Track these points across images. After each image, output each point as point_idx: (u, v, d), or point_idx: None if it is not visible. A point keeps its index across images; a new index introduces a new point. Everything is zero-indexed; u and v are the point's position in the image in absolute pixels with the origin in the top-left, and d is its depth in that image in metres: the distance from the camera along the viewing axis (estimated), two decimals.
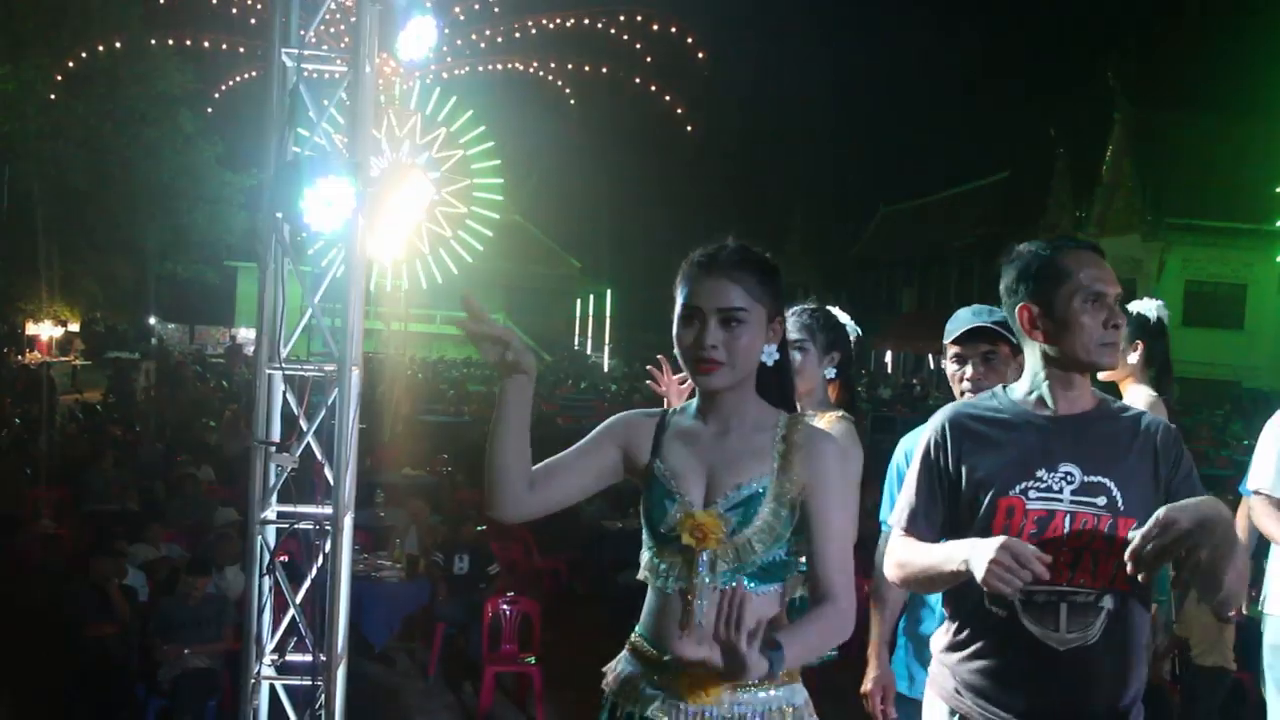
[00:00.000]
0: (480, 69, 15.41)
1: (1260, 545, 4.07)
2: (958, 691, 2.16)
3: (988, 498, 2.07)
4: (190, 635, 5.40)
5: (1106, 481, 2.04)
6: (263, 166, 4.19)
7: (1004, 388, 2.23)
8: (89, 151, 21.02)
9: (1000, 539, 1.90)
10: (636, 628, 2.06)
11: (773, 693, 1.92)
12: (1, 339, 25.18)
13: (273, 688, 4.31)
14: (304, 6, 4.25)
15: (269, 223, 4.09)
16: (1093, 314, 2.06)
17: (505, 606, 6.11)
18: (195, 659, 5.36)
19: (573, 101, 16.22)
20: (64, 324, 27.91)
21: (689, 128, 15.34)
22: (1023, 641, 2.04)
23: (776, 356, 2.03)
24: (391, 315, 16.18)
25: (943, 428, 2.18)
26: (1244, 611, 4.48)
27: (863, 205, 48.81)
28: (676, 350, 2.01)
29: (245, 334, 32.83)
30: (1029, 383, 2.16)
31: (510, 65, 15.37)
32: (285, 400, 4.25)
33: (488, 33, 14.62)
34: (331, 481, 4.17)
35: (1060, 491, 2.04)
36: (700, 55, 14.41)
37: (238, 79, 16.09)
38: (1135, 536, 1.84)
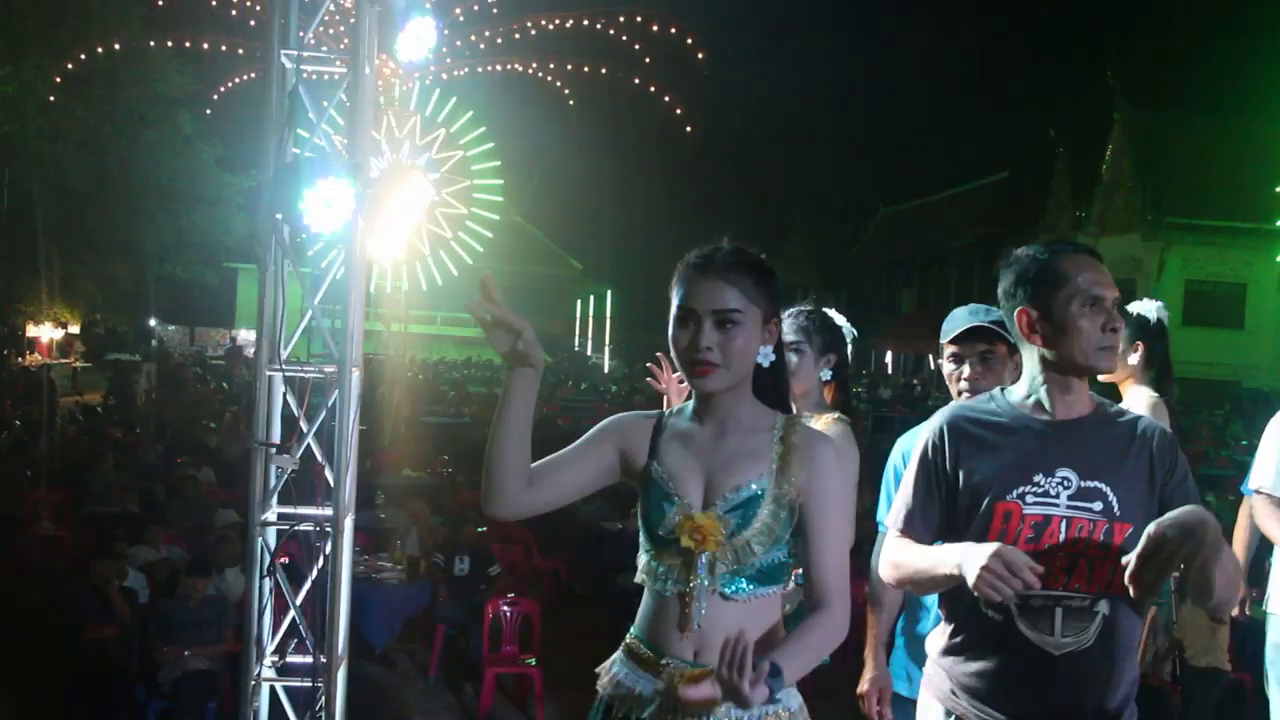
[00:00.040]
0: (480, 70, 15.42)
1: (1263, 545, 4.08)
2: (953, 693, 2.17)
3: (985, 502, 2.08)
4: (190, 637, 5.40)
5: (1103, 487, 2.05)
6: (262, 168, 4.19)
7: (1002, 391, 2.23)
8: (88, 153, 21.01)
9: (994, 545, 1.91)
10: (632, 629, 2.06)
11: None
12: (1, 341, 25.16)
13: (273, 689, 4.31)
14: (303, 8, 4.25)
15: (269, 224, 4.09)
16: (1091, 318, 2.06)
17: (505, 608, 6.11)
18: (195, 660, 5.36)
19: (572, 102, 16.22)
20: (64, 326, 27.89)
21: (688, 128, 15.35)
22: (1018, 645, 2.05)
23: (773, 358, 2.02)
24: (392, 317, 16.19)
25: (941, 430, 2.18)
26: (1247, 612, 4.48)
27: (862, 205, 48.90)
28: (672, 352, 2.01)
29: (245, 336, 32.85)
30: (1027, 386, 2.17)
31: (510, 66, 15.37)
32: (285, 402, 4.25)
33: (487, 34, 14.62)
34: (332, 483, 4.17)
35: (1057, 496, 2.05)
36: (700, 56, 14.42)
37: (237, 80, 16.10)
38: (1131, 559, 1.85)
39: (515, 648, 6.05)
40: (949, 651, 2.19)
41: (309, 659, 4.21)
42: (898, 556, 2.19)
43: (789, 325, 3.02)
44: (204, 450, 11.40)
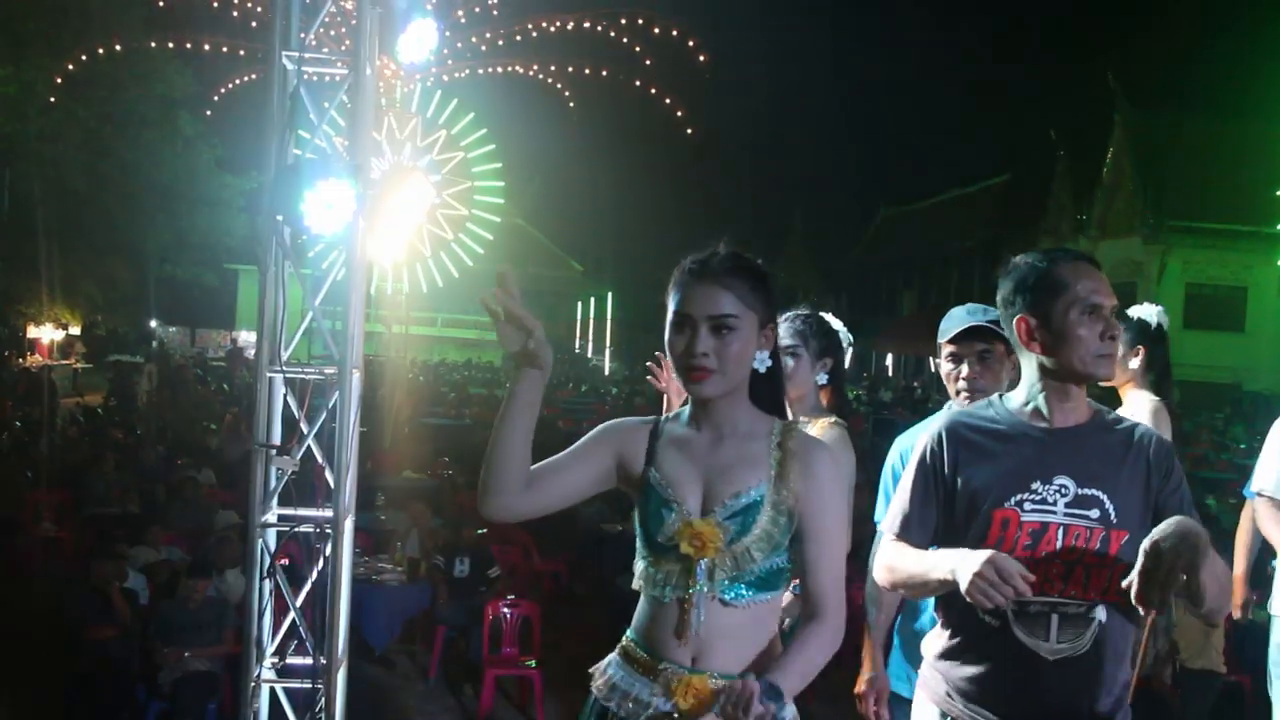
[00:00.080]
0: (481, 72, 15.41)
1: (1265, 548, 4.08)
2: (949, 695, 2.18)
3: (983, 508, 2.09)
4: (191, 638, 5.40)
5: (1100, 494, 2.06)
6: (263, 169, 4.19)
7: (1000, 397, 2.24)
8: (89, 154, 21.02)
9: (988, 552, 1.92)
10: (628, 631, 2.05)
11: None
12: (2, 342, 25.17)
13: (273, 690, 4.31)
14: (304, 9, 4.25)
15: (269, 225, 4.09)
16: (1089, 326, 2.07)
17: (506, 609, 6.11)
18: (196, 662, 5.35)
19: (572, 105, 16.21)
20: (65, 327, 27.89)
21: (689, 130, 15.34)
22: (1013, 650, 2.07)
23: (769, 363, 2.02)
24: (392, 318, 16.18)
25: (940, 436, 2.19)
26: (1249, 615, 4.47)
27: (863, 207, 48.95)
28: (668, 358, 2.00)
29: (246, 337, 32.86)
30: (1025, 393, 2.17)
31: (511, 68, 15.37)
32: (286, 403, 4.25)
33: (488, 35, 14.61)
34: (332, 484, 4.17)
35: (1054, 504, 2.06)
36: (702, 58, 14.41)
37: (238, 81, 16.09)
38: (1133, 580, 1.86)
39: (515, 649, 6.05)
40: (944, 655, 2.20)
41: (309, 660, 4.21)
42: (893, 560, 2.19)
43: (785, 329, 3.03)
44: (204, 451, 11.40)
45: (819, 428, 2.96)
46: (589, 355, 42.21)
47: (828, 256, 49.07)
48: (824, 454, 2.01)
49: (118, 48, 16.65)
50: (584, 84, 15.62)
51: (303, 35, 4.23)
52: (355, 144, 4.27)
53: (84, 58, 16.51)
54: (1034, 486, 2.07)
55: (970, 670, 2.14)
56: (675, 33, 14.22)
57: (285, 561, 4.33)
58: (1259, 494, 3.96)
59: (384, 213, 12.34)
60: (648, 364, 3.08)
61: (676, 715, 1.91)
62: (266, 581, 4.19)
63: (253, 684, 4.23)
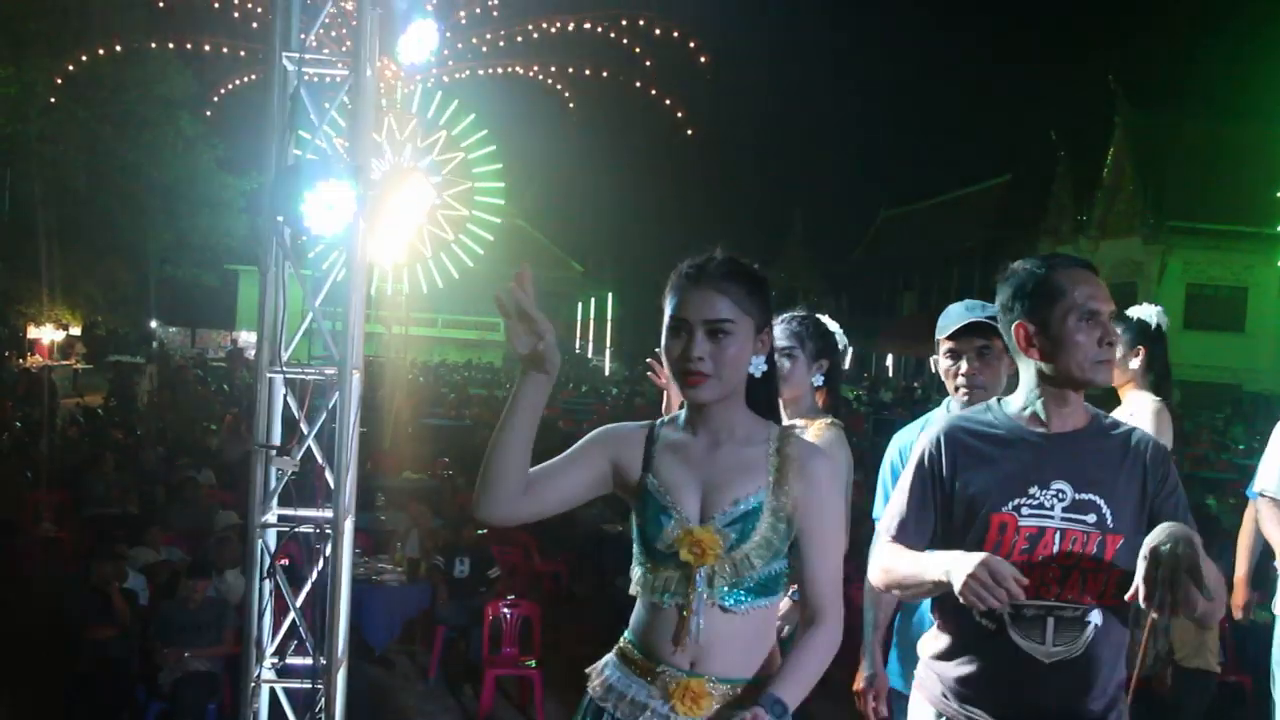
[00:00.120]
0: (481, 73, 15.42)
1: (1268, 548, 4.07)
2: (944, 695, 2.20)
3: (980, 513, 2.10)
4: (190, 638, 5.40)
5: (1097, 499, 2.07)
6: (263, 170, 4.19)
7: (999, 401, 2.24)
8: (90, 155, 21.04)
9: (982, 555, 1.93)
10: (626, 633, 2.05)
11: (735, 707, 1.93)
12: (2, 342, 25.17)
13: (273, 691, 4.31)
14: (305, 10, 4.25)
15: (270, 226, 4.09)
16: (1087, 332, 2.07)
17: (506, 610, 6.11)
18: (195, 662, 5.36)
19: (572, 105, 16.21)
20: (65, 328, 27.87)
21: (689, 132, 15.34)
22: (1009, 652, 2.08)
23: (765, 368, 2.01)
24: (393, 319, 16.18)
25: (938, 440, 2.19)
26: (1251, 615, 4.46)
27: (863, 208, 48.93)
28: (665, 363, 2.00)
29: (246, 337, 32.87)
30: (1024, 398, 2.18)
31: (511, 69, 15.37)
32: (286, 404, 4.26)
33: (488, 36, 14.62)
34: (332, 485, 4.17)
35: (1052, 509, 2.07)
36: (703, 59, 14.40)
37: (238, 82, 16.10)
38: (1139, 586, 1.86)
39: (515, 650, 6.05)
40: (940, 656, 2.22)
41: (309, 661, 4.22)
42: (888, 562, 2.20)
43: (781, 330, 3.04)
44: (204, 452, 11.40)
45: (815, 428, 2.96)
46: (589, 356, 42.22)
47: (828, 257, 49.10)
48: (822, 459, 2.01)
49: (118, 48, 16.66)
50: (584, 85, 15.62)
51: (303, 36, 4.23)
52: (355, 145, 4.27)
53: (84, 58, 16.52)
54: (1031, 491, 2.08)
55: (966, 671, 2.15)
56: (676, 34, 14.22)
57: (285, 562, 4.34)
58: (1261, 494, 3.96)
59: (384, 213, 12.34)
60: (648, 360, 3.09)
61: (673, 718, 1.91)
62: (266, 582, 4.19)
63: (252, 684, 4.23)
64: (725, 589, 1.92)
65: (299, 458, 4.18)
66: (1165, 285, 26.25)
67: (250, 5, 13.79)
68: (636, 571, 2.01)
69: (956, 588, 1.91)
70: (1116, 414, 3.61)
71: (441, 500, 9.30)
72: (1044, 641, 2.06)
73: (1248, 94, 26.04)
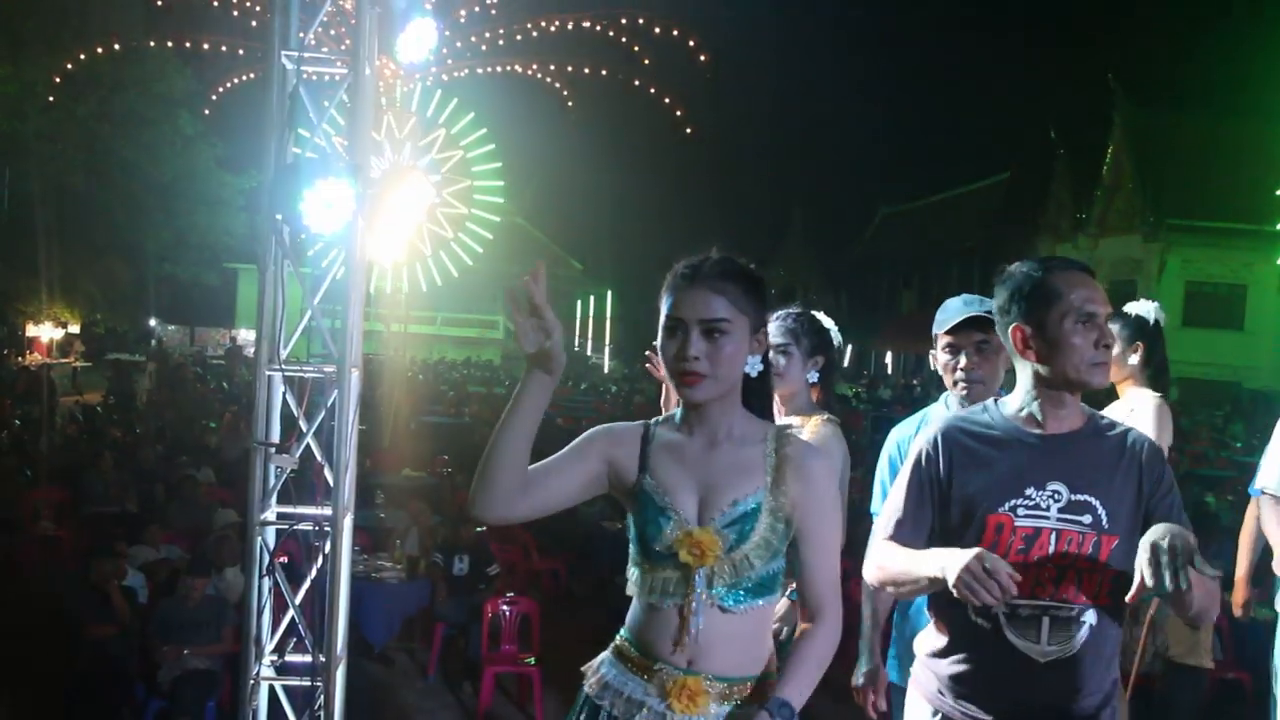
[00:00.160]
0: (480, 71, 15.41)
1: (1270, 545, 4.06)
2: (940, 692, 2.22)
3: (977, 513, 2.11)
4: (190, 636, 5.40)
5: (1092, 500, 2.09)
6: (262, 168, 4.19)
7: (995, 401, 2.26)
8: (89, 153, 21.05)
9: (976, 550, 1.94)
10: (622, 631, 2.05)
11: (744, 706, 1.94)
12: (1, 341, 25.18)
13: (272, 688, 4.32)
14: (303, 9, 4.25)
15: (269, 224, 4.09)
16: (1084, 335, 2.09)
17: (505, 607, 6.12)
18: (195, 660, 5.36)
19: (570, 104, 16.20)
20: (64, 325, 27.86)
21: (688, 130, 15.34)
22: (1004, 651, 2.10)
23: (761, 368, 2.02)
24: (391, 317, 16.17)
25: (936, 440, 2.20)
26: (1251, 613, 4.45)
27: (863, 206, 48.91)
28: (660, 363, 2.00)
29: (245, 336, 32.84)
30: (1020, 399, 2.19)
31: (510, 68, 15.36)
32: (285, 402, 4.26)
33: (488, 35, 14.61)
34: (331, 483, 4.17)
35: (1048, 509, 2.09)
36: (703, 58, 14.40)
37: (237, 81, 16.09)
38: (1145, 576, 1.85)
39: (514, 647, 6.05)
40: (936, 654, 2.24)
41: (308, 658, 4.22)
42: (883, 559, 2.22)
43: (776, 328, 3.04)
44: (203, 450, 11.40)
45: (811, 425, 2.97)
46: (588, 353, 42.22)
47: (827, 255, 49.12)
48: (819, 459, 2.02)
49: (117, 47, 16.66)
50: (583, 83, 15.62)
51: (302, 34, 4.24)
52: (354, 143, 4.27)
53: (83, 57, 16.52)
54: (1028, 492, 2.09)
55: (962, 670, 2.17)
56: (675, 32, 14.22)
57: (284, 559, 4.34)
58: (1263, 492, 3.96)
59: (383, 212, 12.34)
60: (646, 352, 3.10)
61: (670, 715, 1.91)
62: (266, 579, 4.20)
63: (252, 682, 4.24)
64: (724, 589, 1.92)
65: (298, 455, 4.18)
66: (1164, 283, 26.26)
67: (249, 4, 13.79)
68: (633, 572, 2.01)
69: (950, 582, 1.92)
70: (1116, 409, 3.62)
71: (441, 498, 9.30)
72: (1039, 641, 2.08)
73: (1247, 92, 26.05)
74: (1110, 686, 2.16)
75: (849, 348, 41.06)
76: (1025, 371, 2.17)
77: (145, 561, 6.65)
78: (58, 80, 17.46)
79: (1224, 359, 25.95)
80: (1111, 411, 3.61)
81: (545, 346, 1.85)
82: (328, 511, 4.17)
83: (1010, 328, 2.16)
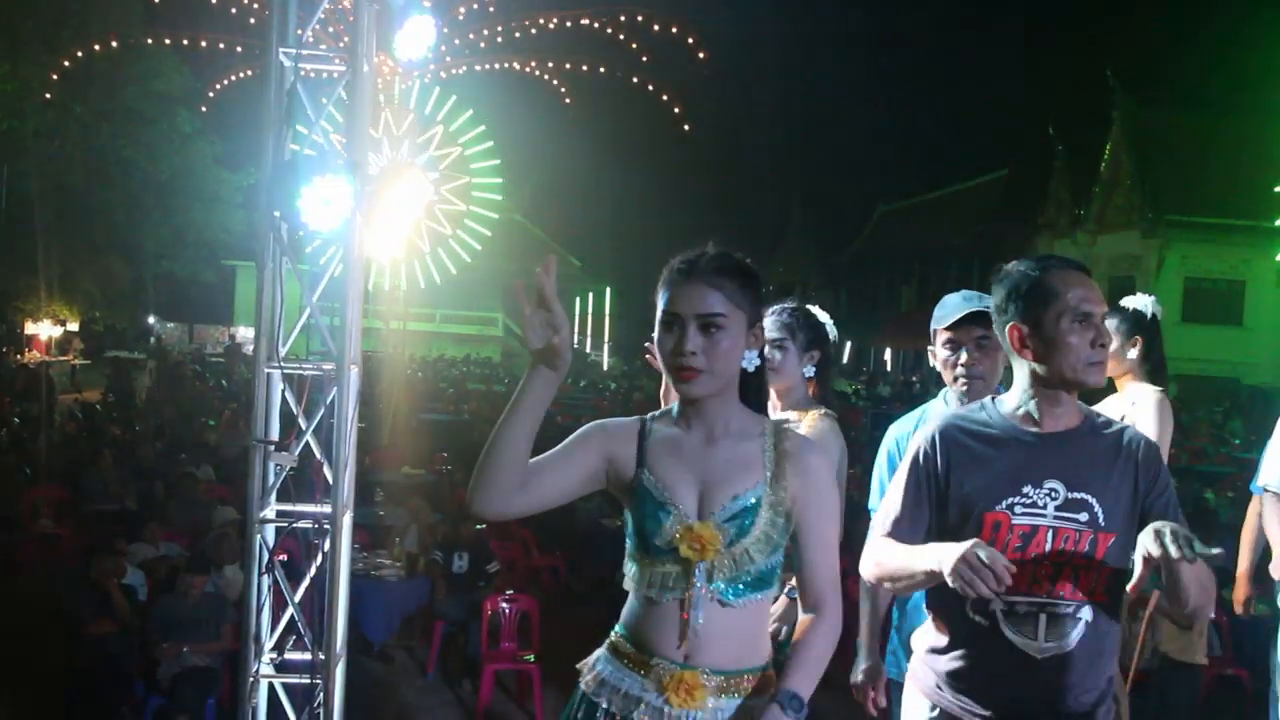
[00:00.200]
0: (479, 68, 15.39)
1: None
2: (938, 686, 2.23)
3: (975, 511, 2.13)
4: (189, 634, 5.40)
5: (1089, 498, 2.10)
6: (261, 165, 4.19)
7: (993, 400, 2.27)
8: (87, 151, 21.04)
9: (972, 540, 1.95)
10: (618, 627, 2.05)
11: (751, 699, 1.95)
12: (0, 338, 25.17)
13: (272, 686, 4.32)
14: (301, 5, 4.25)
15: (267, 222, 4.09)
16: (1080, 334, 2.10)
17: (504, 604, 6.12)
18: (195, 657, 5.36)
19: (569, 101, 16.17)
20: (63, 323, 27.88)
21: (686, 127, 15.32)
22: (1002, 647, 2.12)
23: (758, 362, 2.02)
24: (390, 314, 16.16)
25: (934, 438, 2.22)
26: (1252, 610, 4.44)
27: (861, 203, 48.89)
28: (658, 357, 2.00)
29: (244, 333, 32.81)
30: (1018, 398, 2.20)
31: (509, 65, 15.34)
32: (284, 399, 4.26)
33: (485, 32, 14.58)
34: (330, 480, 4.17)
35: (1045, 507, 2.10)
36: (701, 55, 14.39)
37: (235, 78, 16.06)
38: (1151, 550, 1.87)
39: (514, 645, 6.05)
40: (934, 650, 2.25)
41: (307, 656, 4.22)
42: (881, 555, 2.23)
43: (772, 322, 3.04)
44: (203, 448, 11.40)
45: (809, 420, 2.97)
46: (587, 350, 42.22)
47: (826, 252, 49.07)
48: (818, 454, 2.03)
49: (114, 44, 16.62)
50: (582, 81, 15.61)
51: (300, 31, 4.23)
52: (352, 140, 4.27)
53: (81, 54, 16.49)
54: (1025, 490, 2.11)
55: (959, 666, 2.19)
56: (674, 30, 14.20)
57: (284, 557, 4.34)
58: (1265, 490, 3.95)
59: (381, 209, 12.32)
60: (645, 344, 3.10)
61: (668, 710, 1.91)
62: (265, 577, 4.20)
63: (251, 679, 4.24)
64: (724, 583, 1.92)
65: (297, 453, 4.19)
66: (1163, 279, 26.26)
67: (247, 1, 13.76)
68: (631, 567, 2.01)
69: (947, 570, 1.93)
70: (1116, 404, 3.62)
71: (440, 495, 9.31)
72: (1036, 637, 2.10)
73: (1245, 88, 26.01)
74: (1106, 684, 2.17)
75: (848, 345, 41.09)
76: (1022, 370, 2.18)
77: (145, 559, 6.65)
78: (56, 78, 17.43)
79: (1223, 355, 25.96)
80: (1111, 406, 3.62)
81: (553, 342, 1.84)
82: (327, 509, 4.17)
83: (1007, 327, 2.17)
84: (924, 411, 3.07)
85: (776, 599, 2.95)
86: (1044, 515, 2.09)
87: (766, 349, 2.10)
